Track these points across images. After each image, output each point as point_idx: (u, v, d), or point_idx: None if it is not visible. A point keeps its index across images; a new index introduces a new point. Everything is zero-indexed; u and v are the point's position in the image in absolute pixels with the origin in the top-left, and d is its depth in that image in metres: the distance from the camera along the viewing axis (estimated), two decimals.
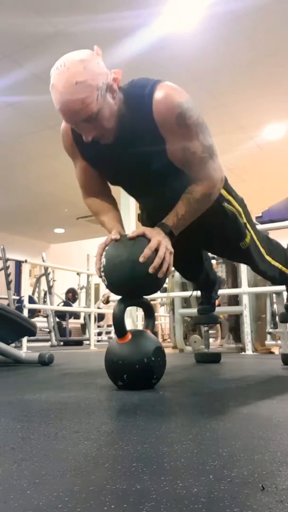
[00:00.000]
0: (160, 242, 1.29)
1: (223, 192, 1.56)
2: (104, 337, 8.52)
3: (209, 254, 2.32)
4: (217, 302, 2.47)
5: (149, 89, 1.28)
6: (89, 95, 1.17)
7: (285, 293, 2.99)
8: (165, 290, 5.46)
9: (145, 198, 1.67)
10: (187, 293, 3.86)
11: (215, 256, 4.11)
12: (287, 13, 3.38)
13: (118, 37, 3.60)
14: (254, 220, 4.44)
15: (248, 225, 1.70)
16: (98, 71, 1.20)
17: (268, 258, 1.85)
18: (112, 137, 1.31)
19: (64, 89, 1.16)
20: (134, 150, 1.34)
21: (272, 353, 3.66)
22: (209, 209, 1.45)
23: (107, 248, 1.35)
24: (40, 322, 6.45)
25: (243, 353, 3.58)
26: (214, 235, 1.70)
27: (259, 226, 3.54)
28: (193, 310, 3.53)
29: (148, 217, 1.69)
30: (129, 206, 5.06)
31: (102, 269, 1.35)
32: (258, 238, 1.79)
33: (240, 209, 1.65)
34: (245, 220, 1.67)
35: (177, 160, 1.35)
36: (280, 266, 1.92)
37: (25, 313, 4.18)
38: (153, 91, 1.27)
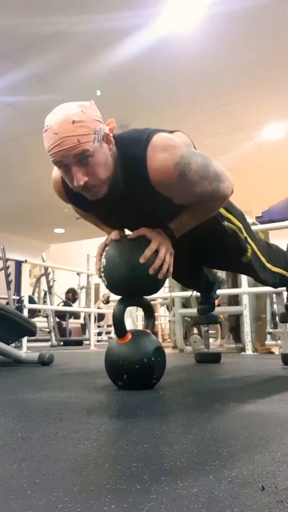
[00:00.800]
0: (160, 243, 1.29)
1: (223, 211, 1.53)
2: (104, 337, 8.52)
3: None
4: (217, 302, 2.47)
5: (139, 154, 1.19)
6: (85, 134, 1.10)
7: (285, 293, 2.99)
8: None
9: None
10: (187, 293, 3.86)
11: None
12: (287, 13, 3.38)
13: (118, 37, 3.60)
14: (254, 219, 4.44)
15: (248, 239, 1.68)
16: (96, 118, 1.15)
17: (268, 265, 1.85)
18: (103, 193, 1.22)
19: (59, 127, 1.10)
20: (132, 209, 1.30)
21: (272, 353, 3.65)
22: (210, 229, 1.45)
23: (107, 248, 1.36)
24: (40, 322, 6.45)
25: (243, 353, 3.58)
26: (215, 253, 1.70)
27: (259, 226, 3.54)
28: (193, 310, 3.53)
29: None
30: None
31: (102, 269, 1.35)
32: (258, 248, 1.78)
33: (240, 225, 1.63)
34: (245, 235, 1.66)
35: (188, 203, 1.32)
36: (280, 271, 1.92)
37: (25, 313, 4.18)
38: (145, 158, 1.18)
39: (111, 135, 1.20)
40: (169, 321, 5.71)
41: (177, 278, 2.11)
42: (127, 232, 1.42)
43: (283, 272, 1.94)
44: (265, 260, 1.83)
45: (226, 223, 1.56)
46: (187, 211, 1.35)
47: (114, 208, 1.31)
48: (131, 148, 1.21)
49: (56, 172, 1.35)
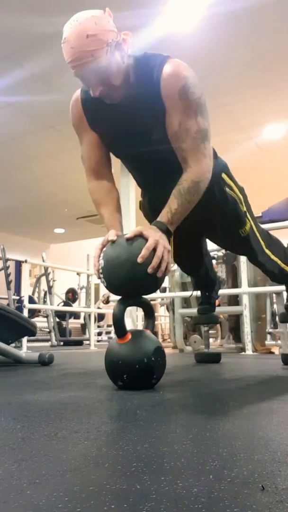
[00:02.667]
0: (157, 241, 1.29)
1: (225, 177, 1.59)
2: (104, 337, 8.52)
3: (209, 254, 2.32)
4: (217, 302, 2.47)
5: (160, 60, 1.34)
6: (98, 48, 1.23)
7: (285, 293, 2.99)
8: (164, 290, 5.47)
9: (145, 177, 1.68)
10: (187, 293, 3.86)
11: (215, 256, 4.11)
12: (287, 13, 3.38)
13: None
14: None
15: (248, 214, 1.71)
16: (109, 28, 1.27)
17: (267, 251, 1.85)
18: (118, 97, 1.35)
19: (75, 42, 1.23)
20: (138, 114, 1.38)
21: (272, 353, 3.65)
22: (210, 191, 1.45)
23: (104, 249, 1.35)
24: (40, 322, 6.45)
25: (243, 353, 3.58)
26: (213, 219, 1.69)
27: None
28: (193, 310, 3.53)
29: (149, 203, 1.70)
30: (129, 199, 5.06)
31: (100, 270, 1.35)
32: (257, 230, 1.80)
33: (241, 197, 1.67)
34: (245, 209, 1.68)
35: (171, 133, 1.38)
36: (279, 261, 1.92)
37: (25, 313, 4.18)
38: (163, 62, 1.34)
39: (124, 45, 1.32)
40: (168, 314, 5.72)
41: (177, 258, 2.08)
42: (125, 231, 1.42)
43: (282, 264, 1.93)
44: (264, 245, 1.84)
45: (227, 189, 1.59)
46: (173, 197, 1.36)
47: (122, 118, 1.41)
48: (152, 59, 1.36)
49: (75, 95, 1.50)
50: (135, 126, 1.42)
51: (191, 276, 2.47)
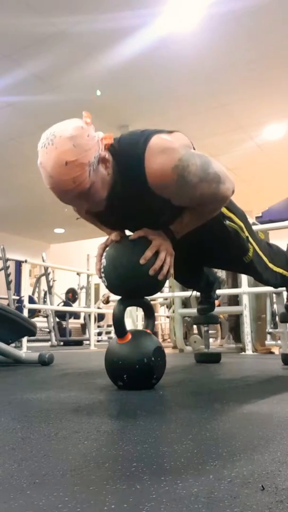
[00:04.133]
0: (161, 244, 1.29)
1: (224, 210, 1.52)
2: (104, 337, 8.52)
3: None
4: (217, 302, 2.47)
5: (138, 157, 1.18)
6: (80, 173, 1.09)
7: (285, 293, 2.99)
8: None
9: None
10: (187, 293, 3.86)
11: None
12: (287, 13, 3.38)
13: (118, 37, 3.60)
14: (254, 219, 4.44)
15: (250, 238, 1.67)
16: (89, 145, 1.11)
17: (271, 265, 1.84)
18: (104, 205, 1.25)
19: (53, 170, 1.09)
20: (132, 214, 1.31)
21: (272, 353, 3.65)
22: (211, 228, 1.44)
23: (107, 249, 1.36)
24: (40, 322, 6.44)
25: (243, 353, 3.58)
26: (216, 252, 1.70)
27: (259, 226, 3.54)
28: (193, 310, 3.53)
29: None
30: None
31: (102, 270, 1.35)
32: (260, 249, 1.77)
33: (242, 224, 1.63)
34: (247, 234, 1.65)
35: (186, 205, 1.32)
36: (281, 271, 1.92)
37: (25, 313, 4.18)
38: (143, 161, 1.18)
39: (107, 155, 1.18)
40: (167, 317, 5.71)
41: (177, 277, 2.11)
42: (128, 233, 1.42)
43: (284, 272, 1.94)
44: (267, 260, 1.82)
45: (227, 222, 1.56)
46: (188, 213, 1.34)
47: (115, 211, 1.30)
48: (130, 152, 1.20)
49: None
50: (132, 218, 1.35)
51: (191, 288, 2.47)
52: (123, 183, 1.23)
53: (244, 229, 1.64)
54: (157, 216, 1.32)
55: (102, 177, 1.17)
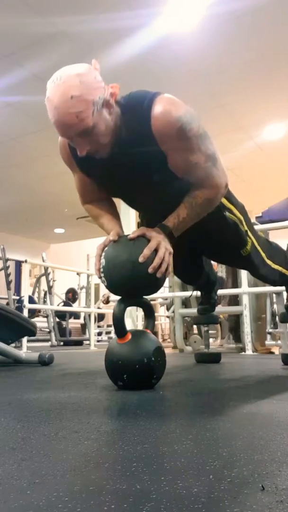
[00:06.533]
0: (159, 243, 1.29)
1: (224, 201, 1.54)
2: (104, 337, 8.52)
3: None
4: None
5: (146, 103, 1.25)
6: (84, 109, 1.14)
7: (285, 293, 2.99)
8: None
9: (144, 207, 1.66)
10: (187, 293, 3.86)
11: None
12: (287, 13, 3.38)
13: (118, 37, 3.60)
14: (254, 219, 4.44)
15: (249, 232, 1.69)
16: (95, 85, 1.17)
17: (269, 262, 1.85)
18: (107, 152, 1.28)
19: (59, 103, 1.14)
20: (132, 164, 1.32)
21: (272, 353, 3.65)
22: (210, 218, 1.44)
23: (106, 248, 1.36)
24: (40, 322, 6.45)
25: (243, 353, 3.58)
26: (214, 243, 1.70)
27: (259, 226, 3.54)
28: (193, 310, 3.53)
29: (148, 226, 1.69)
30: (129, 212, 5.07)
31: (101, 269, 1.35)
32: (258, 243, 1.78)
33: (241, 217, 1.64)
34: (246, 228, 1.66)
35: (179, 171, 1.33)
36: (280, 268, 1.92)
37: (25, 313, 4.18)
38: (150, 106, 1.24)
39: (112, 100, 1.23)
40: (167, 317, 5.71)
41: (177, 272, 2.10)
42: (126, 232, 1.42)
43: (283, 270, 1.94)
44: (265, 256, 1.83)
45: (227, 213, 1.57)
46: (184, 206, 1.35)
47: (116, 167, 1.33)
48: (139, 99, 1.27)
49: (61, 139, 1.41)
50: (130, 175, 1.36)
51: (191, 285, 2.48)
52: (127, 128, 1.27)
53: (244, 223, 1.65)
54: (152, 176, 1.34)
55: (105, 120, 1.21)
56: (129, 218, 5.06)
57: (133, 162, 1.32)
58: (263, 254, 1.81)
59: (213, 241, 1.68)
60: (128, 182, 1.41)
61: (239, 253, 1.69)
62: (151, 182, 1.37)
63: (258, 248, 1.78)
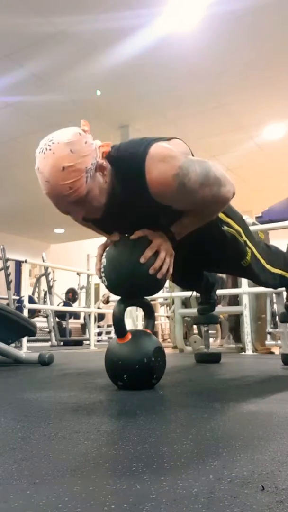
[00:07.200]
0: (161, 244, 1.29)
1: (222, 216, 1.52)
2: (104, 337, 8.52)
3: None
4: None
5: (138, 165, 1.19)
6: (77, 179, 1.10)
7: (285, 293, 2.99)
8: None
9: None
10: (187, 293, 3.86)
11: None
12: (287, 13, 3.38)
13: (118, 37, 3.60)
14: (254, 219, 4.44)
15: (248, 242, 1.68)
16: (86, 151, 1.12)
17: (268, 267, 1.84)
18: (102, 212, 1.25)
19: (50, 175, 1.09)
20: (131, 216, 1.31)
21: (272, 353, 3.65)
22: (209, 233, 1.45)
23: (107, 249, 1.36)
24: (40, 322, 6.44)
25: (243, 353, 3.58)
26: (214, 257, 1.70)
27: (259, 226, 3.54)
28: (193, 310, 3.53)
29: None
30: None
31: (102, 269, 1.35)
32: (258, 251, 1.77)
33: (240, 229, 1.63)
34: (245, 238, 1.65)
35: (188, 209, 1.33)
36: (280, 271, 1.92)
37: (25, 313, 4.18)
38: (144, 169, 1.18)
39: (105, 162, 1.19)
40: (167, 317, 5.70)
41: (176, 281, 2.12)
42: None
43: (283, 273, 1.94)
44: (265, 262, 1.83)
45: (225, 227, 1.56)
46: (187, 215, 1.35)
47: (113, 218, 1.31)
48: (129, 161, 1.21)
49: None
50: (129, 224, 1.34)
51: (191, 290, 2.48)
52: (122, 190, 1.23)
53: (242, 234, 1.64)
54: (157, 220, 1.33)
55: (99, 184, 1.18)
56: None
57: (133, 218, 1.30)
58: (262, 261, 1.81)
59: (213, 256, 1.68)
60: (128, 228, 1.37)
61: (240, 265, 1.68)
62: (155, 224, 1.34)
63: (258, 256, 1.77)
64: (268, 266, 1.84)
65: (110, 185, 1.22)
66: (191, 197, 1.24)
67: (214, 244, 1.57)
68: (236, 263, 1.69)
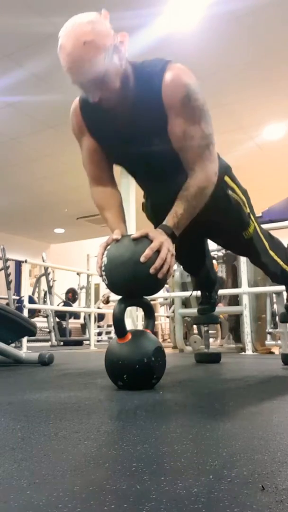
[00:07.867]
0: (162, 243, 1.29)
1: (227, 179, 1.57)
2: (104, 337, 8.52)
3: (210, 254, 2.32)
4: (221, 304, 2.47)
5: (161, 66, 1.32)
6: (96, 55, 1.19)
7: (285, 293, 2.99)
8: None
9: (147, 181, 1.67)
10: (187, 293, 3.86)
11: (215, 256, 4.11)
12: (287, 13, 3.38)
13: None
14: None
15: (251, 216, 1.70)
16: (106, 32, 1.23)
17: (271, 252, 1.85)
18: (118, 101, 1.32)
19: (72, 49, 1.19)
20: (138, 121, 1.36)
21: (272, 353, 3.65)
22: (213, 195, 1.45)
23: (108, 247, 1.36)
24: (40, 322, 6.45)
25: (243, 353, 3.58)
26: (217, 222, 1.69)
27: None
28: (193, 310, 3.53)
29: (152, 206, 1.69)
30: (129, 200, 5.07)
31: (103, 268, 1.35)
32: (261, 231, 1.79)
33: (244, 199, 1.66)
34: (248, 210, 1.68)
35: (175, 141, 1.36)
36: (281, 263, 1.92)
37: (25, 313, 4.18)
38: (164, 69, 1.31)
39: (121, 47, 1.28)
40: (167, 317, 5.70)
41: (179, 255, 2.08)
42: (129, 232, 1.42)
43: (284, 265, 1.93)
44: (268, 246, 1.83)
45: (230, 191, 1.58)
46: (179, 202, 1.36)
47: (123, 126, 1.38)
48: (153, 65, 1.34)
49: (74, 103, 1.48)
50: (135, 133, 1.40)
51: (193, 275, 2.48)
52: (139, 88, 1.32)
53: (246, 205, 1.66)
54: (152, 138, 1.38)
55: (115, 66, 1.25)
56: (129, 206, 5.07)
57: (138, 119, 1.36)
58: (266, 243, 1.81)
59: (215, 220, 1.66)
60: (132, 146, 1.43)
61: (242, 235, 1.69)
62: (152, 149, 1.40)
63: (261, 235, 1.78)
64: (271, 252, 1.85)
65: (125, 75, 1.30)
66: (186, 121, 1.32)
67: (217, 208, 1.56)
68: (237, 233, 1.69)
